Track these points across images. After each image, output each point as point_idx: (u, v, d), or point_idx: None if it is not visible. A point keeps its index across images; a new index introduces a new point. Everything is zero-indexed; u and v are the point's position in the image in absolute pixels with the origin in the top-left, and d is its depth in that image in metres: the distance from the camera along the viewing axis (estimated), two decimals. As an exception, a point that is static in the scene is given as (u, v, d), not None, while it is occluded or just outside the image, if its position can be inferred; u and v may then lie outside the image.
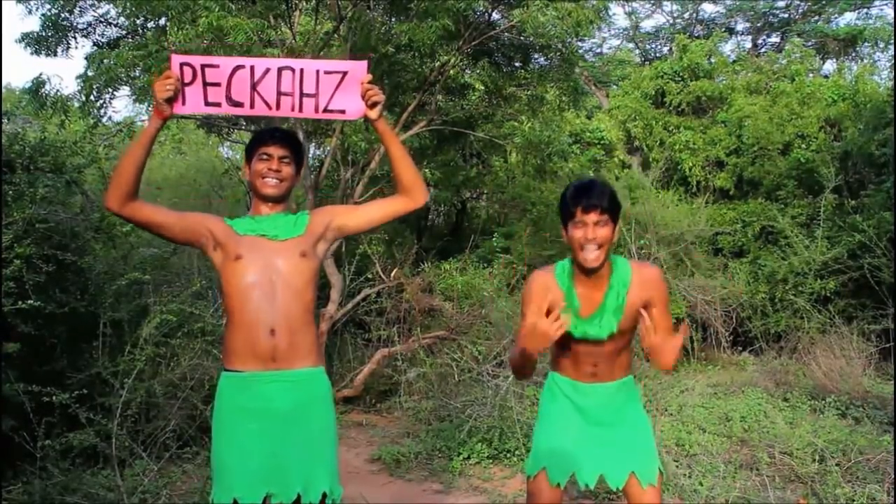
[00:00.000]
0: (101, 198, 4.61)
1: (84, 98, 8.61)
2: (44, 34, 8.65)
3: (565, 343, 2.99)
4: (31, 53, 8.60)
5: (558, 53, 9.70)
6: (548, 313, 2.79)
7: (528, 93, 10.18)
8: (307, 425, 2.87)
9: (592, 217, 2.81)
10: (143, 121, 14.48)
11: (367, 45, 8.60)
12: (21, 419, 4.82)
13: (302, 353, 2.89)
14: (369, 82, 2.92)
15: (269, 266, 2.86)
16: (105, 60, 8.28)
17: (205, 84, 2.83)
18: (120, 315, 6.09)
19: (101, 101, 8.74)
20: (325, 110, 2.95)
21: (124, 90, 8.83)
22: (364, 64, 2.96)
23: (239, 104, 2.89)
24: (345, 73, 2.91)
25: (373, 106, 2.92)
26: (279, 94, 2.89)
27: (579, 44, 10.89)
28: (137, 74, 8.41)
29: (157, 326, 5.79)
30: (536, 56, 10.07)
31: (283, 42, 8.22)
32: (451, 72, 9.40)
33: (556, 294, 2.95)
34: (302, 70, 2.90)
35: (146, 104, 9.40)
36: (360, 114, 2.95)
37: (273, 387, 2.84)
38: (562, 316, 2.78)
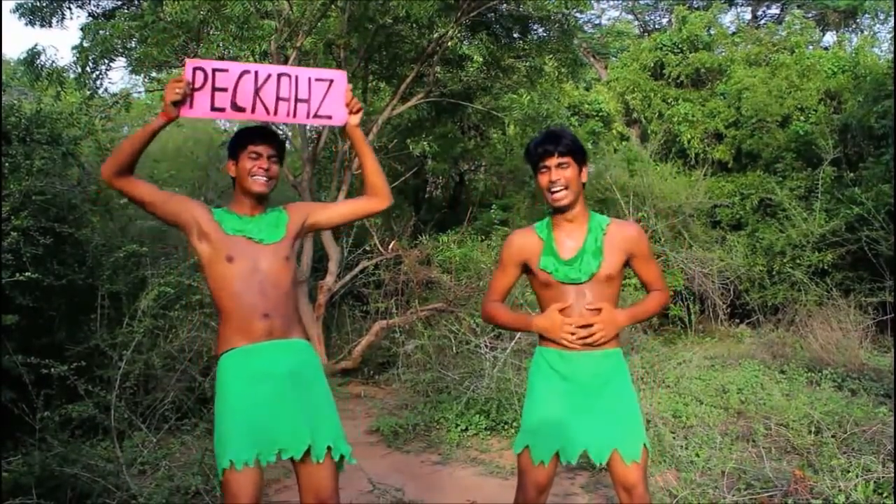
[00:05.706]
0: (98, 169, 4.62)
1: (80, 69, 8.55)
2: (38, 4, 8.55)
3: (551, 294, 3.10)
4: (26, 24, 8.52)
5: (557, 25, 9.62)
6: (524, 270, 3.17)
7: (527, 64, 10.11)
8: (308, 387, 3.03)
9: (553, 161, 3.01)
10: (139, 93, 14.43)
11: (364, 15, 8.52)
12: (20, 391, 4.82)
13: (293, 331, 3.10)
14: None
15: (257, 269, 3.02)
16: (101, 31, 8.20)
17: (213, 89, 3.02)
18: (118, 287, 6.10)
19: (97, 73, 8.67)
20: (315, 116, 3.18)
21: (120, 61, 8.77)
22: (344, 74, 3.23)
23: (241, 109, 3.08)
24: (331, 81, 3.17)
25: (356, 113, 3.19)
26: (278, 99, 3.11)
27: (578, 15, 10.80)
28: (133, 45, 8.34)
29: (155, 299, 5.79)
30: (535, 27, 9.98)
31: (280, 13, 8.15)
32: (450, 43, 9.32)
33: (535, 246, 3.13)
34: (297, 77, 3.14)
35: (142, 75, 9.33)
36: (345, 121, 3.20)
37: (273, 352, 3.00)
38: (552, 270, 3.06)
